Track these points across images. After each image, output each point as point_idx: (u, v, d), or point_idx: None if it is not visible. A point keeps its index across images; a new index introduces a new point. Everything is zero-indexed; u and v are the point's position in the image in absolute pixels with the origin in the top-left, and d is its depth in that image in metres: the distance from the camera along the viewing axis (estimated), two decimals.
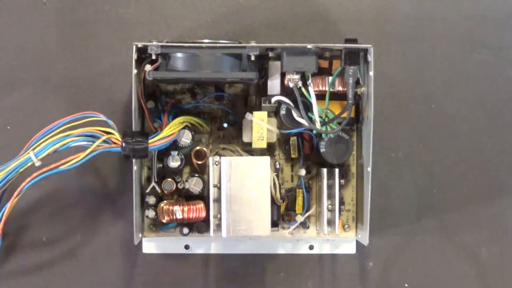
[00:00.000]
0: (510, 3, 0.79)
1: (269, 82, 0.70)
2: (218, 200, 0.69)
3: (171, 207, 0.70)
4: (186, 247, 0.76)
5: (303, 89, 0.68)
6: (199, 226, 0.72)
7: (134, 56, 0.66)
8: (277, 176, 0.72)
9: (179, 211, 0.70)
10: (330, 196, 0.71)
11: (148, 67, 0.66)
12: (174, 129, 0.68)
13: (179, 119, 0.69)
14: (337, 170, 0.71)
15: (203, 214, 0.70)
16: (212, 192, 0.69)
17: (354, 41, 0.68)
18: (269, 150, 0.74)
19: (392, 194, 0.78)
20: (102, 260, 0.76)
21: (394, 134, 0.78)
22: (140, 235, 0.72)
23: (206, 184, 0.72)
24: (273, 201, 0.70)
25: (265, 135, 0.70)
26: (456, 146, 0.78)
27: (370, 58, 0.67)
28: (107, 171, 0.76)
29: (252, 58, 0.66)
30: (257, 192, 0.68)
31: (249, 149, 0.73)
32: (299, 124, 0.69)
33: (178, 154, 0.71)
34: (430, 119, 0.78)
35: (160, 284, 0.77)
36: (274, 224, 0.72)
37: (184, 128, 0.69)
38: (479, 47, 0.78)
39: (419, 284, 0.78)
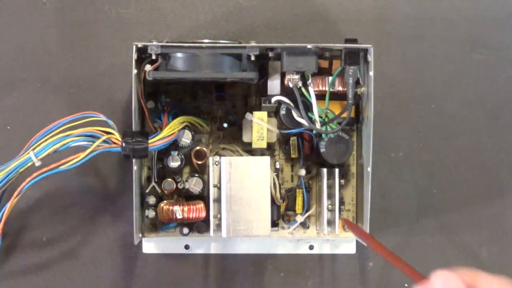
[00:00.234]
0: (510, 3, 0.79)
1: (269, 82, 0.70)
2: (218, 200, 0.69)
3: (171, 207, 0.70)
4: (186, 247, 0.76)
5: (303, 89, 0.68)
6: (199, 226, 0.72)
7: (134, 56, 0.66)
8: (277, 176, 0.72)
9: (179, 211, 0.70)
10: (330, 196, 0.71)
11: (148, 67, 0.66)
12: (174, 129, 0.68)
13: (179, 119, 0.69)
14: (337, 170, 0.71)
15: (203, 214, 0.70)
16: (212, 192, 0.69)
17: (354, 41, 0.68)
18: (269, 150, 0.74)
19: (392, 194, 0.78)
20: (102, 260, 0.76)
21: (394, 134, 0.78)
22: (140, 235, 0.72)
23: (206, 184, 0.72)
24: (273, 201, 0.70)
25: (265, 135, 0.70)
26: (456, 146, 0.78)
27: (370, 58, 0.67)
28: (107, 171, 0.76)
29: (252, 58, 0.66)
30: (257, 192, 0.68)
31: (249, 149, 0.73)
32: (299, 124, 0.69)
33: (178, 154, 0.71)
34: (430, 119, 0.78)
35: (160, 284, 0.77)
36: (274, 224, 0.72)
37: (184, 128, 0.69)
38: (479, 47, 0.78)
39: None
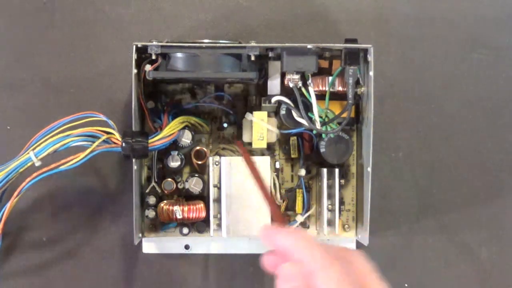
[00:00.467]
0: (510, 3, 0.79)
1: (269, 82, 0.70)
2: (218, 200, 0.69)
3: (171, 207, 0.70)
4: (186, 247, 0.76)
5: (303, 89, 0.68)
6: (199, 226, 0.72)
7: (134, 56, 0.66)
8: (277, 176, 0.72)
9: (179, 211, 0.70)
10: (330, 196, 0.71)
11: (148, 67, 0.66)
12: (174, 129, 0.68)
13: (179, 119, 0.69)
14: (337, 170, 0.71)
15: (203, 214, 0.70)
16: (212, 192, 0.69)
17: (354, 41, 0.68)
18: (269, 150, 0.74)
19: (392, 194, 0.78)
20: (102, 260, 0.76)
21: (394, 134, 0.78)
22: (140, 235, 0.72)
23: (206, 184, 0.72)
24: None
25: (265, 135, 0.70)
26: (456, 146, 0.78)
27: (370, 58, 0.67)
28: (107, 171, 0.76)
29: (252, 58, 0.66)
30: (257, 192, 0.68)
31: (249, 149, 0.73)
32: (299, 124, 0.69)
33: (178, 154, 0.71)
34: (430, 119, 0.78)
35: (160, 284, 0.77)
36: None
37: (184, 128, 0.69)
38: (479, 47, 0.78)
39: (419, 284, 0.78)
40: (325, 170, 0.71)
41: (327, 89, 0.69)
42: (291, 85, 0.68)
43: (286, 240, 0.49)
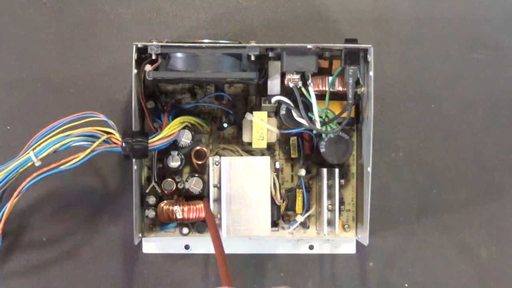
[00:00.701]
0: (510, 3, 0.79)
1: (269, 82, 0.70)
2: (218, 200, 0.69)
3: (171, 207, 0.70)
4: (186, 247, 0.76)
5: (303, 89, 0.68)
6: (199, 226, 0.72)
7: (134, 56, 0.66)
8: (277, 176, 0.72)
9: (179, 211, 0.70)
10: (330, 196, 0.71)
11: (148, 67, 0.66)
12: (174, 129, 0.68)
13: (179, 119, 0.69)
14: (337, 170, 0.71)
15: (203, 214, 0.70)
16: (212, 192, 0.69)
17: (354, 41, 0.68)
18: (269, 150, 0.74)
19: (392, 194, 0.78)
20: (102, 260, 0.76)
21: (394, 134, 0.78)
22: (140, 235, 0.72)
23: (206, 184, 0.72)
24: (273, 201, 0.71)
25: (265, 135, 0.70)
26: (456, 146, 0.78)
27: (370, 58, 0.67)
28: (107, 171, 0.76)
29: (252, 58, 0.66)
30: (257, 192, 0.68)
31: (249, 149, 0.73)
32: (299, 124, 0.69)
33: (178, 154, 0.71)
34: (430, 119, 0.78)
35: (160, 284, 0.77)
36: (274, 224, 0.72)
37: (184, 128, 0.69)
38: (479, 47, 0.78)
39: (419, 284, 0.78)
40: (325, 170, 0.71)
41: (327, 89, 0.69)
42: (291, 85, 0.68)
43: None
